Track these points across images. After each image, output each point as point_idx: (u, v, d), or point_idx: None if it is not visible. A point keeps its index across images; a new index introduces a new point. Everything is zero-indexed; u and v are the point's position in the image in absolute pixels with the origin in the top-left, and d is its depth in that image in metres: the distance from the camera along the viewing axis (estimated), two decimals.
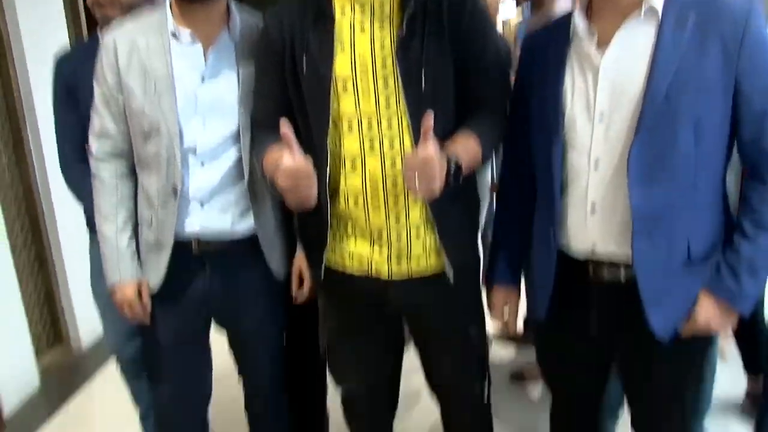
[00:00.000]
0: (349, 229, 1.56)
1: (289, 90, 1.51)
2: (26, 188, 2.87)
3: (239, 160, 1.63)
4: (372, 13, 1.46)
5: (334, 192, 1.53)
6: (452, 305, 1.64)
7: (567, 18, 1.41)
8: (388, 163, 1.47)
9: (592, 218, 1.39)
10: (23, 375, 2.78)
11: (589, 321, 1.48)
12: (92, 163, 1.70)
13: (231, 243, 1.68)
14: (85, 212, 1.92)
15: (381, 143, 1.46)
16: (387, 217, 1.51)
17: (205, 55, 1.61)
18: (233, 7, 1.65)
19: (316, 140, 1.48)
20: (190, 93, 1.59)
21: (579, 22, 1.37)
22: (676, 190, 1.31)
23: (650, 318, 1.36)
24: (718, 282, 1.34)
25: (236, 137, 1.62)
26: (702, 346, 1.43)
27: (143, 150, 1.63)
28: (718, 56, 1.26)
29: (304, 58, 1.46)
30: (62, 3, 3.04)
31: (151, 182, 1.64)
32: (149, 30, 1.62)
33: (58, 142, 2.05)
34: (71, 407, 2.76)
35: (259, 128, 1.59)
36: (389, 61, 1.44)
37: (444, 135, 1.44)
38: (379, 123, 1.46)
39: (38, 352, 2.94)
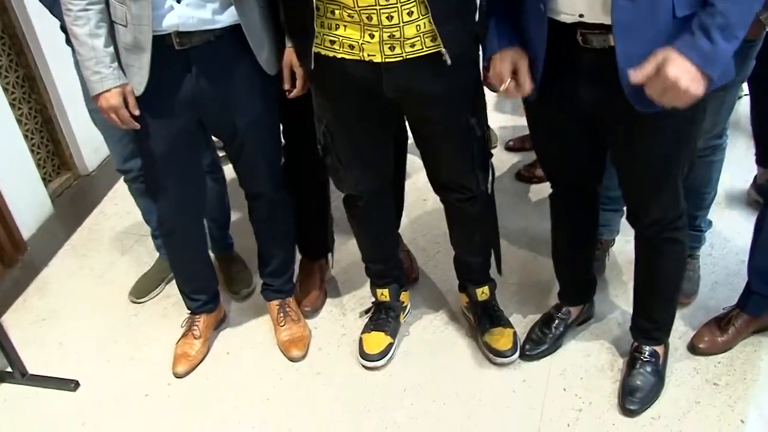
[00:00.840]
0: (337, 14, 1.46)
1: None
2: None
3: None
4: None
5: None
6: (450, 90, 1.57)
7: None
8: None
9: None
10: (35, 201, 2.80)
11: (578, 92, 1.45)
12: None
13: (215, 36, 1.60)
14: (59, 21, 1.79)
15: None
16: None
17: None
18: None
19: None
20: None
21: None
22: None
23: (625, 85, 1.32)
24: (690, 41, 1.23)
25: None
26: (688, 114, 1.37)
27: None
28: None
29: None
30: None
31: None
32: None
33: None
34: (85, 228, 2.82)
35: None
36: None
37: None
38: None
39: (46, 179, 2.95)
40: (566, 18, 1.38)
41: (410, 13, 1.43)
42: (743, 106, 2.71)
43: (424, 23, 1.45)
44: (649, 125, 1.42)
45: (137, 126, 1.67)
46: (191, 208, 1.91)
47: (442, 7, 1.43)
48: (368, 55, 1.49)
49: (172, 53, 1.59)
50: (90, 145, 3.09)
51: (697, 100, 1.28)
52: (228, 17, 1.58)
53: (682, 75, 1.21)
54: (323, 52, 1.53)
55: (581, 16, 1.35)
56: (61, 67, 2.68)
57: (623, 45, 1.30)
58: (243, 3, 1.57)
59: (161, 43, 1.57)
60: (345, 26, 1.47)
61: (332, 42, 1.51)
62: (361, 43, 1.48)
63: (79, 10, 1.55)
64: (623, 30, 1.29)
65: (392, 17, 1.43)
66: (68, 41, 1.71)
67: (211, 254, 2.23)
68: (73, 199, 3.03)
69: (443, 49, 1.47)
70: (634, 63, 1.28)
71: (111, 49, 1.60)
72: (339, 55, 1.52)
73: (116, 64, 1.61)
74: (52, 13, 1.82)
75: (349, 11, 1.44)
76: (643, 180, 1.57)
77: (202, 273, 2.09)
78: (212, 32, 1.59)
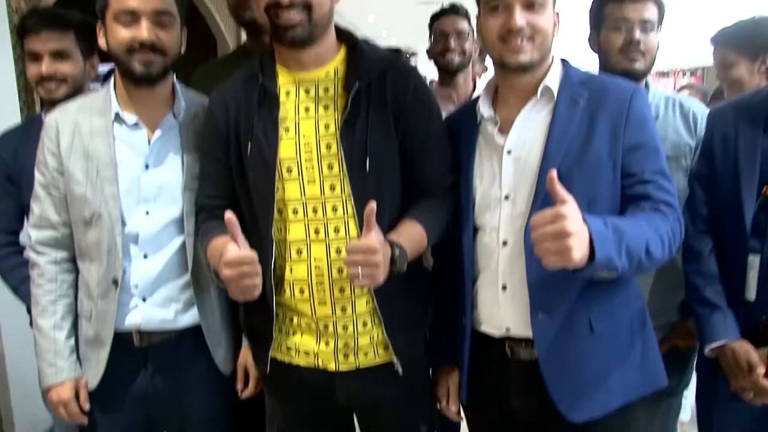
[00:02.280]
0: (295, 322, 1.53)
1: (233, 175, 1.51)
2: None
3: (182, 248, 1.61)
4: (317, 96, 1.47)
5: (280, 281, 1.51)
6: (401, 399, 1.59)
7: (474, 103, 1.52)
8: (333, 250, 1.46)
9: (504, 298, 1.43)
10: None
11: (511, 401, 1.48)
12: (30, 253, 1.66)
13: (174, 335, 1.64)
14: (24, 303, 1.88)
15: (326, 229, 1.46)
16: (333, 307, 1.48)
17: (149, 140, 1.61)
18: (178, 88, 1.66)
19: (261, 227, 1.47)
20: (134, 180, 1.58)
21: (484, 109, 1.47)
22: None
23: (555, 398, 1.37)
24: (593, 221, 1.21)
25: (179, 223, 1.60)
26: (621, 427, 1.40)
27: (84, 238, 1.60)
28: (606, 135, 1.36)
29: (250, 142, 1.46)
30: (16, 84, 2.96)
31: (91, 272, 1.61)
32: (93, 111, 1.61)
33: None
34: None
35: (203, 215, 1.57)
36: (334, 145, 1.44)
37: (392, 219, 1.46)
38: (324, 209, 1.45)
39: None
40: (495, 332, 1.47)
41: (364, 324, 1.50)
42: None
43: (378, 333, 1.51)
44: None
45: (84, 421, 1.66)
46: None
47: (395, 318, 1.50)
48: (323, 363, 1.51)
49: (130, 350, 1.61)
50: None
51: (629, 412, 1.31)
52: (190, 317, 1.63)
53: (575, 232, 1.16)
54: (279, 357, 1.56)
55: (508, 329, 1.45)
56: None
57: (546, 358, 1.38)
58: (205, 305, 1.63)
59: (121, 339, 1.60)
60: (302, 333, 1.52)
61: (288, 348, 1.55)
62: (317, 351, 1.51)
63: (47, 303, 1.62)
64: (544, 344, 1.38)
65: (347, 327, 1.49)
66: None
67: None
68: None
69: (395, 359, 1.50)
70: (560, 375, 1.35)
71: (72, 341, 1.64)
72: (294, 362, 1.54)
73: (74, 356, 1.63)
74: (16, 294, 1.90)
75: (307, 320, 1.50)
76: None
77: None
78: (173, 332, 1.63)
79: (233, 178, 1.52)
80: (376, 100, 1.45)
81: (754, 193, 1.49)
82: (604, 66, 1.85)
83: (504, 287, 1.44)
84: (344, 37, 1.54)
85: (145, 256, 1.60)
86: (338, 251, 1.46)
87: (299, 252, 1.47)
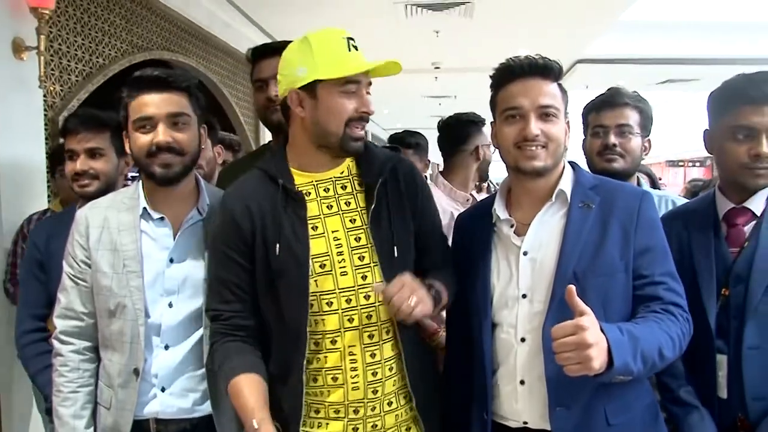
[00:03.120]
0: (322, 413, 1.54)
1: (258, 277, 1.52)
2: None
3: (201, 340, 1.64)
4: (336, 193, 1.56)
5: (310, 371, 1.52)
6: None
7: (490, 203, 1.58)
8: (366, 336, 1.51)
9: (522, 392, 1.47)
10: None
11: None
12: (55, 343, 1.69)
13: (190, 424, 1.66)
14: (41, 390, 1.90)
15: (360, 317, 1.51)
16: (365, 391, 1.51)
17: (174, 235, 1.66)
18: (202, 184, 1.73)
19: (291, 325, 1.49)
20: (158, 273, 1.63)
21: (500, 211, 1.54)
22: None
23: None
24: (609, 328, 1.28)
25: (200, 316, 1.63)
26: None
27: (107, 328, 1.65)
28: (618, 239, 1.43)
29: (278, 243, 1.49)
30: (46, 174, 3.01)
31: (113, 362, 1.64)
32: (121, 208, 1.68)
33: (19, 312, 2.12)
34: None
35: (219, 327, 1.56)
36: (363, 237, 1.53)
37: None
38: (357, 298, 1.51)
39: None
40: (512, 424, 1.50)
41: (390, 403, 1.54)
42: None
43: (402, 412, 1.56)
44: None
45: None
46: None
47: (420, 394, 1.55)
48: None
49: None
50: None
51: None
52: (206, 407, 1.65)
53: (595, 343, 1.22)
54: None
55: (525, 423, 1.48)
56: None
57: None
58: (220, 401, 1.62)
59: (139, 427, 1.62)
60: (328, 423, 1.53)
61: None
62: None
63: (69, 392, 1.65)
64: None
65: (375, 408, 1.52)
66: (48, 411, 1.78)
67: None
68: None
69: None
70: None
71: (91, 430, 1.66)
72: None
73: None
74: (33, 382, 1.94)
75: (336, 407, 1.52)
76: None
77: None
78: (189, 420, 1.65)
79: (255, 282, 1.53)
80: (392, 194, 1.57)
81: (713, 295, 1.55)
82: (589, 167, 2.00)
83: (522, 382, 1.47)
84: None
85: (166, 347, 1.64)
86: (371, 336, 1.51)
87: (333, 342, 1.51)
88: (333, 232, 1.53)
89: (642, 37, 6.89)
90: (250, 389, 1.45)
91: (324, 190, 1.56)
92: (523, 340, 1.47)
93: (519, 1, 5.26)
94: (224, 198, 1.59)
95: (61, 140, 2.18)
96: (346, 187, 1.57)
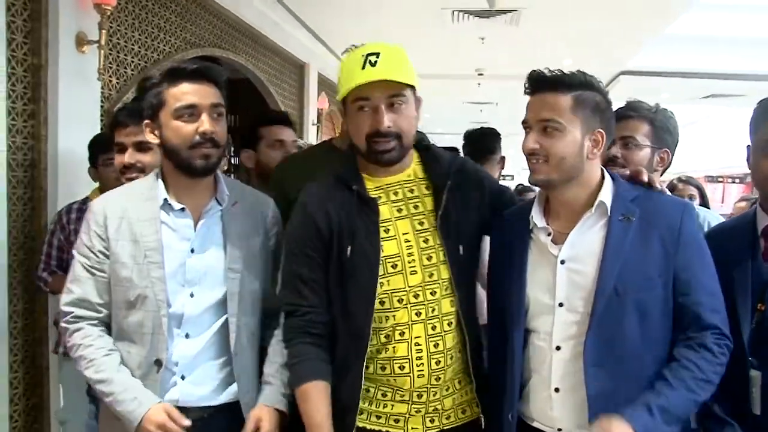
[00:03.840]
0: (389, 395, 1.62)
1: (330, 274, 1.62)
2: None
3: (222, 328, 1.65)
4: (405, 196, 1.66)
5: (376, 361, 1.61)
6: None
7: (528, 209, 1.59)
8: (430, 327, 1.61)
9: (556, 400, 1.49)
10: None
11: None
12: (68, 325, 1.64)
13: (209, 411, 1.65)
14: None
15: (427, 311, 1.61)
16: (429, 378, 1.60)
17: (194, 225, 1.66)
18: (220, 175, 1.74)
19: (359, 319, 1.59)
20: (180, 263, 1.63)
21: (537, 219, 1.56)
22: (627, 371, 1.42)
23: None
24: (634, 413, 1.36)
25: (221, 305, 1.64)
26: None
27: (125, 320, 1.63)
28: (659, 254, 1.45)
29: (351, 245, 1.59)
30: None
31: (131, 354, 1.62)
32: (140, 198, 1.67)
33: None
34: None
35: (296, 323, 1.63)
36: (431, 238, 1.63)
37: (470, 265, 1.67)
38: (424, 294, 1.61)
39: None
40: (548, 430, 1.53)
41: (447, 389, 1.63)
42: None
43: (459, 395, 1.65)
44: None
45: None
46: None
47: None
48: (411, 428, 1.62)
49: None
50: None
51: None
52: (226, 395, 1.65)
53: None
54: (369, 427, 1.63)
55: (560, 430, 1.50)
56: None
57: None
58: (244, 385, 1.65)
59: None
60: (393, 405, 1.62)
61: (378, 417, 1.63)
62: (408, 417, 1.62)
63: (102, 355, 1.60)
64: None
65: (436, 393, 1.61)
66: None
67: None
68: None
69: (482, 415, 1.64)
70: None
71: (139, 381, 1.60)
72: (384, 429, 1.63)
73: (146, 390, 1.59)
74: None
75: (402, 392, 1.61)
76: None
77: None
78: (208, 409, 1.64)
79: (328, 279, 1.63)
80: (459, 195, 1.66)
81: (748, 311, 1.54)
82: None
83: (557, 390, 1.49)
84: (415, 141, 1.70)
85: (187, 336, 1.64)
86: (434, 328, 1.61)
87: (402, 334, 1.61)
88: (404, 234, 1.63)
89: (687, 50, 6.80)
90: (317, 398, 1.57)
91: (393, 193, 1.66)
92: (558, 348, 1.49)
93: (566, 11, 5.27)
94: (304, 201, 1.67)
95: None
96: (413, 190, 1.67)
